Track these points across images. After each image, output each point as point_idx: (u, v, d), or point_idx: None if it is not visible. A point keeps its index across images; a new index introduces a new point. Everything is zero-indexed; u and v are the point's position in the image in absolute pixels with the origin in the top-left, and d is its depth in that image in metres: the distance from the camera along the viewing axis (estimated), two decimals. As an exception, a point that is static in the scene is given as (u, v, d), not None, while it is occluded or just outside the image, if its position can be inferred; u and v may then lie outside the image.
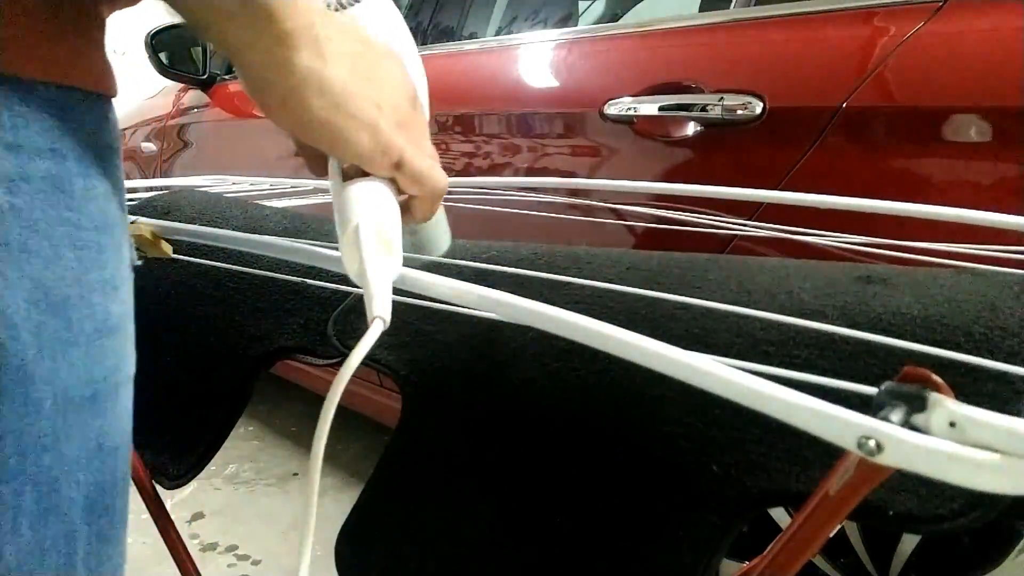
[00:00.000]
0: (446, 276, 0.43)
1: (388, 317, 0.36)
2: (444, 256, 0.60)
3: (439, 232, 0.59)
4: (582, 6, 1.97)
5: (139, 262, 0.48)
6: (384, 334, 0.70)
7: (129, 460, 0.45)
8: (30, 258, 0.36)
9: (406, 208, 0.44)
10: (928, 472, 0.26)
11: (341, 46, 0.38)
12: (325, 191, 1.20)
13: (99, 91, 0.40)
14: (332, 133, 0.39)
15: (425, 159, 0.43)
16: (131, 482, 0.45)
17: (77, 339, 0.38)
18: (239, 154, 2.19)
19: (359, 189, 0.41)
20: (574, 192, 1.26)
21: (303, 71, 0.36)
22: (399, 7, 0.59)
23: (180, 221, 0.71)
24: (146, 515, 0.82)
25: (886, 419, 0.27)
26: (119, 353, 0.42)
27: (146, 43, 2.30)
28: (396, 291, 0.39)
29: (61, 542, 0.39)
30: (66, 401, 0.38)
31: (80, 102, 0.38)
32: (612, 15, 1.95)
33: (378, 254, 0.38)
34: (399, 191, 0.43)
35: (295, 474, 2.05)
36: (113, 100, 0.42)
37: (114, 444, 0.42)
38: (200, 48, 2.33)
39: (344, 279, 0.72)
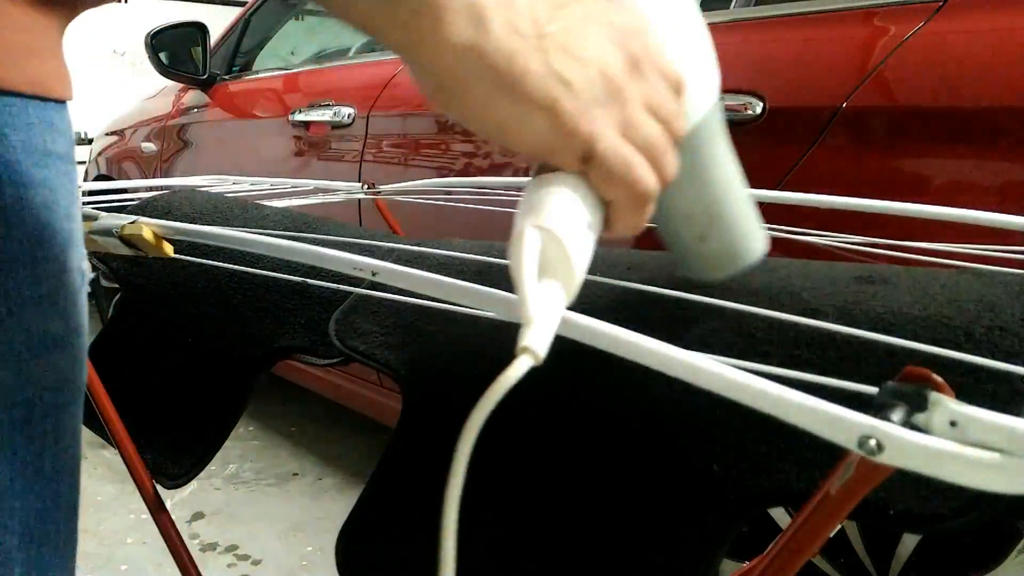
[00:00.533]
0: (445, 275, 0.42)
1: (542, 352, 0.29)
2: (434, 253, 0.59)
3: (733, 238, 0.43)
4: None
5: (92, 274, 0.46)
6: (384, 334, 0.70)
7: (78, 484, 0.42)
8: None
9: (608, 216, 0.35)
10: (929, 471, 0.26)
11: (513, 12, 0.30)
12: (325, 191, 1.20)
13: (41, 96, 0.37)
14: (498, 120, 0.31)
15: (624, 150, 0.32)
16: (79, 507, 0.43)
17: (4, 358, 0.36)
18: (239, 154, 2.19)
19: (541, 189, 0.33)
20: (574, 192, 1.26)
21: (455, 47, 0.29)
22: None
23: (180, 221, 0.71)
24: (146, 515, 0.82)
25: (887, 419, 0.27)
26: (61, 372, 0.39)
27: (146, 43, 2.30)
28: (397, 291, 0.38)
29: None
30: None
31: (13, 107, 0.36)
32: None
33: (537, 274, 0.30)
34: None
35: (295, 474, 2.05)
36: (66, 104, 0.39)
37: (55, 469, 0.39)
38: (200, 48, 2.33)
39: (345, 278, 0.72)
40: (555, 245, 0.31)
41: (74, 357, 0.40)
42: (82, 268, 0.42)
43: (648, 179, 0.33)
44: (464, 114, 0.32)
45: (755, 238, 0.44)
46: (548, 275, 0.31)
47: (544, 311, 0.29)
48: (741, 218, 0.43)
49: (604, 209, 0.34)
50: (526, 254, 0.30)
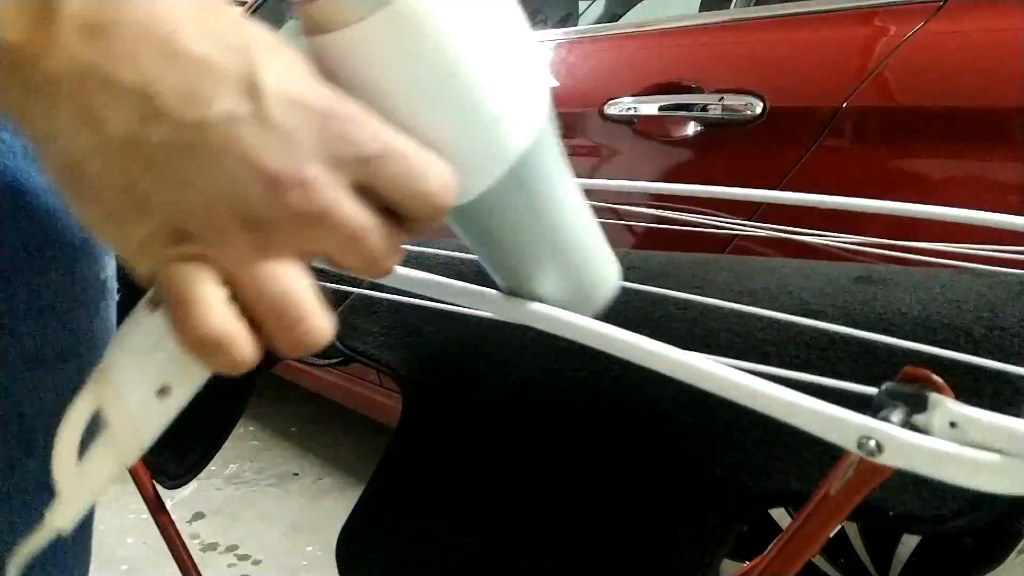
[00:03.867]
0: (444, 275, 0.42)
1: (65, 526, 0.25)
2: (429, 252, 0.59)
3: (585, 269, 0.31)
4: (582, 6, 1.97)
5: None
6: (384, 334, 0.70)
7: None
8: None
9: None
10: (928, 472, 0.25)
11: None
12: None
13: None
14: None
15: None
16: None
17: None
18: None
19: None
20: (574, 192, 1.26)
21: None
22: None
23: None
24: (146, 515, 0.82)
25: (886, 419, 0.27)
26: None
27: (146, 43, 2.30)
28: (396, 291, 0.38)
29: None
30: None
31: None
32: (612, 15, 1.95)
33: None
34: None
35: (295, 474, 2.05)
36: None
37: None
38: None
39: (345, 278, 0.72)
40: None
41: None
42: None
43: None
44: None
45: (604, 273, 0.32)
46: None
47: (74, 488, 0.25)
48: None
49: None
50: (65, 429, 0.26)
